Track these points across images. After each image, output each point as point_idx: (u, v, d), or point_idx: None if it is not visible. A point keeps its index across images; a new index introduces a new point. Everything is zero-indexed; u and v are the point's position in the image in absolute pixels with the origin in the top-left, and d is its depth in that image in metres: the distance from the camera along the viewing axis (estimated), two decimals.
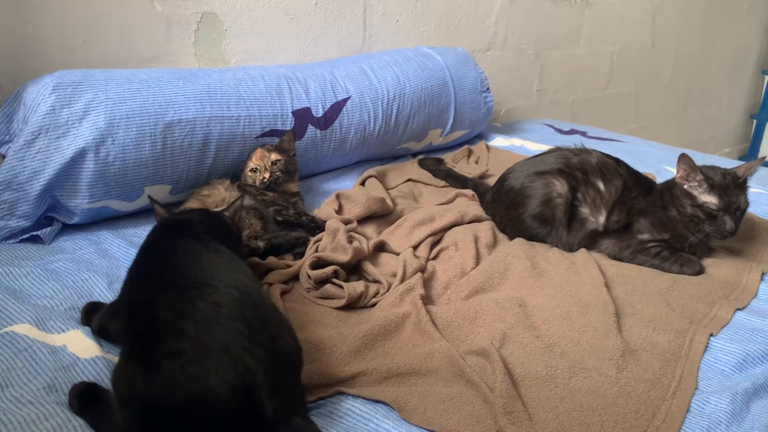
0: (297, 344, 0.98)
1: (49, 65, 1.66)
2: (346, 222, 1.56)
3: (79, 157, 1.48)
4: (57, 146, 1.47)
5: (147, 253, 1.10)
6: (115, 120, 1.52)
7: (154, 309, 0.89)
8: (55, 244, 1.48)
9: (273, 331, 0.93)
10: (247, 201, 1.57)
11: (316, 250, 1.43)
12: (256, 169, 1.67)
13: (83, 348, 1.07)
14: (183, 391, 0.82)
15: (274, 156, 1.68)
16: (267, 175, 1.65)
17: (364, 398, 1.03)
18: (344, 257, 1.36)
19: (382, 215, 1.69)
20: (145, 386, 0.82)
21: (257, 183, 1.66)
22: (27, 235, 1.47)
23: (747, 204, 1.49)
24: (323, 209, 1.71)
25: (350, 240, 1.45)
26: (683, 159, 1.50)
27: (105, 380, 1.01)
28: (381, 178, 1.94)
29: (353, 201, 1.67)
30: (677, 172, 1.52)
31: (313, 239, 1.49)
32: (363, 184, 1.89)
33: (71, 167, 1.47)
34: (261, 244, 1.47)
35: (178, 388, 0.82)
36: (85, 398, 0.94)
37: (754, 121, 4.52)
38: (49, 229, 1.50)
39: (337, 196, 1.73)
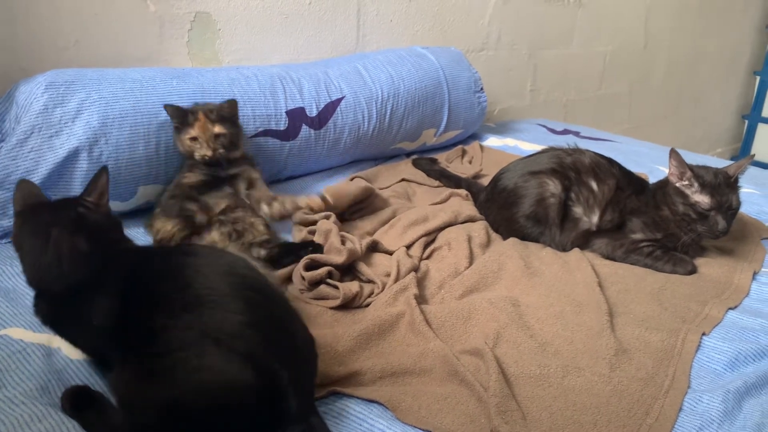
0: (310, 336, 0.99)
1: (42, 64, 1.65)
2: (328, 216, 1.55)
3: (72, 157, 1.47)
4: (50, 145, 1.47)
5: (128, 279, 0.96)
6: (108, 119, 1.52)
7: (174, 333, 0.87)
8: None
9: (291, 327, 0.94)
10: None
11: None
12: (197, 138, 1.52)
13: (76, 350, 1.06)
14: (206, 401, 0.83)
15: (218, 129, 1.52)
16: (210, 153, 1.51)
17: (358, 398, 1.03)
18: (339, 259, 1.36)
19: (373, 211, 1.69)
20: (166, 396, 0.83)
21: (196, 156, 1.52)
22: None
23: (739, 203, 1.50)
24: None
25: (343, 241, 1.44)
26: (673, 154, 1.51)
27: (98, 382, 1.01)
28: (372, 179, 1.94)
29: (340, 193, 1.64)
30: (669, 168, 1.53)
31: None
32: None
33: (64, 167, 1.47)
34: (263, 252, 1.42)
35: (204, 397, 0.83)
36: (77, 401, 0.94)
37: (746, 122, 4.55)
38: None
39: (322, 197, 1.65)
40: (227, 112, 1.55)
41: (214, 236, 1.43)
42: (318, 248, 1.43)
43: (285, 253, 1.43)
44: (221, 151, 1.53)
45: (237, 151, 1.58)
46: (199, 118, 1.52)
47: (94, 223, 0.99)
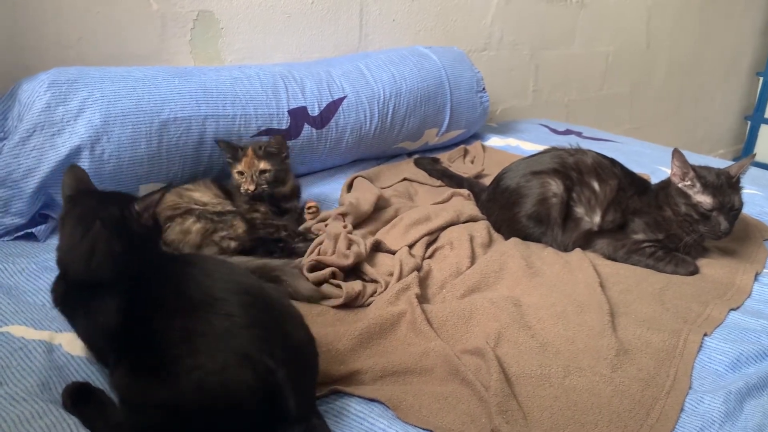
0: (310, 335, 0.99)
1: (45, 62, 1.65)
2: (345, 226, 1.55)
3: (74, 155, 1.48)
4: (52, 144, 1.47)
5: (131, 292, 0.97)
6: (110, 118, 1.52)
7: (171, 335, 0.88)
8: (51, 241, 1.47)
9: (287, 327, 0.95)
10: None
11: (318, 254, 1.42)
12: (243, 173, 1.57)
13: (78, 346, 1.06)
14: (205, 400, 0.84)
15: (262, 165, 1.56)
16: (252, 187, 1.55)
17: (359, 397, 1.03)
18: (345, 262, 1.37)
19: (376, 211, 1.69)
20: (166, 396, 0.84)
21: (241, 190, 1.56)
22: (22, 233, 1.47)
23: (741, 204, 1.50)
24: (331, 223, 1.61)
25: (349, 245, 1.44)
26: (676, 154, 1.51)
27: (99, 379, 1.02)
28: (374, 178, 1.94)
29: (360, 202, 1.66)
30: (671, 168, 1.53)
31: (314, 242, 1.48)
32: (350, 185, 1.89)
33: (66, 165, 1.45)
34: (233, 244, 1.44)
35: (200, 398, 0.84)
36: (78, 397, 0.95)
37: (749, 123, 4.54)
38: (44, 226, 1.49)
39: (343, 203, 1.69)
40: (275, 149, 1.59)
41: (190, 226, 1.43)
42: (287, 245, 1.51)
43: (257, 245, 1.48)
44: (264, 186, 1.57)
45: (284, 186, 1.63)
46: (247, 154, 1.56)
47: (132, 230, 1.01)
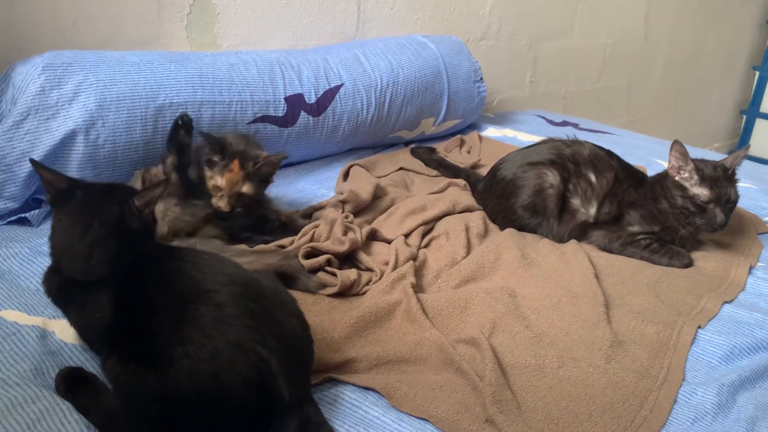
0: (304, 323, 0.99)
1: (39, 46, 1.63)
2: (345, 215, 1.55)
3: (68, 139, 1.47)
4: (46, 127, 1.46)
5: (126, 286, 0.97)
6: (105, 102, 1.51)
7: (162, 327, 0.88)
8: (44, 226, 1.47)
9: (279, 317, 0.94)
10: None
11: (312, 237, 1.42)
12: (220, 188, 1.40)
13: (71, 333, 1.06)
14: (196, 389, 0.84)
15: (246, 188, 1.40)
16: (227, 210, 1.40)
17: (354, 385, 1.03)
18: (340, 248, 1.36)
19: (372, 200, 1.69)
20: (157, 384, 0.84)
21: (212, 202, 1.40)
22: (15, 217, 1.46)
23: (737, 196, 1.50)
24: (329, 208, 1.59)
25: (345, 231, 1.44)
26: (675, 146, 1.51)
27: (92, 365, 1.01)
28: (370, 167, 1.93)
29: (359, 191, 1.66)
30: (669, 160, 1.53)
31: (309, 225, 1.47)
32: (347, 173, 1.89)
33: (61, 149, 1.46)
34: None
35: (191, 386, 0.84)
36: (71, 382, 0.94)
37: (744, 117, 4.55)
38: (37, 211, 1.48)
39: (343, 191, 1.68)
40: (266, 172, 1.43)
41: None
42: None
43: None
44: (238, 210, 1.42)
45: (257, 209, 1.49)
46: (232, 169, 1.38)
47: (130, 227, 0.99)
